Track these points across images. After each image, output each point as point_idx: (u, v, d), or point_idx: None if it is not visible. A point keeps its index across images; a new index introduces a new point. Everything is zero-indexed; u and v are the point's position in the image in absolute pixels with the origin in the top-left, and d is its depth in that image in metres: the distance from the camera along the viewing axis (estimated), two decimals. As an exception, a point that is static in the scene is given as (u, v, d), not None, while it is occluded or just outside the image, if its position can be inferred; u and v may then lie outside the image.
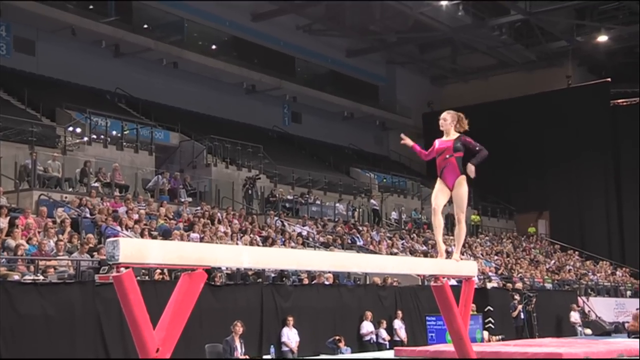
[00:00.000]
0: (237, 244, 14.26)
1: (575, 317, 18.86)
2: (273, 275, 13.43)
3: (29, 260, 10.52)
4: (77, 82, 22.80)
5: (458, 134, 6.27)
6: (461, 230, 6.34)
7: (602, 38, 30.64)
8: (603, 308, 21.22)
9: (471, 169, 6.10)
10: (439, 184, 6.22)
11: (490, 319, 15.98)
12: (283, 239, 16.32)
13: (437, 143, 6.29)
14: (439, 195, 6.22)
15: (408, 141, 6.45)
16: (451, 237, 24.55)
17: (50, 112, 19.59)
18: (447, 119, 6.32)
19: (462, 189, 6.21)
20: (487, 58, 33.38)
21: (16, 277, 9.75)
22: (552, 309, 18.64)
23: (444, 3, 27.52)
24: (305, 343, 12.37)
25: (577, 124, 30.75)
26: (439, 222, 6.31)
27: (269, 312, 12.17)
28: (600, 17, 29.68)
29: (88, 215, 13.73)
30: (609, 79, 31.68)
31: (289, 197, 21.54)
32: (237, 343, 10.68)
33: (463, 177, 6.18)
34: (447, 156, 6.17)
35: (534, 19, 28.90)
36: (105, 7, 23.38)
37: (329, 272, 13.47)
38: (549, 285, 21.45)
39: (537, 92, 31.75)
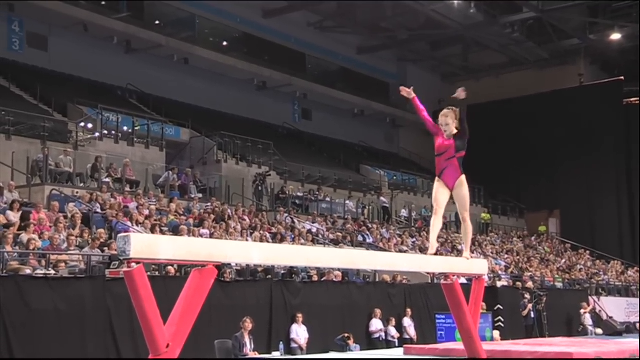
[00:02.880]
0: (247, 240, 14.29)
1: (586, 316, 18.77)
2: (282, 272, 13.45)
3: (40, 255, 10.59)
4: (89, 78, 22.90)
5: (456, 131, 6.01)
6: (467, 228, 6.25)
7: (615, 36, 30.44)
8: (614, 308, 21.09)
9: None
10: (438, 185, 6.02)
11: (500, 317, 15.93)
12: (293, 236, 16.33)
13: (439, 138, 6.00)
14: (440, 196, 6.02)
15: (406, 92, 6.07)
16: (461, 236, 24.48)
17: (62, 107, 19.69)
18: (450, 123, 5.98)
19: (464, 189, 6.07)
20: (499, 56, 33.24)
21: (28, 271, 9.82)
22: (562, 308, 18.55)
23: (455, 1, 27.42)
24: (314, 340, 12.38)
25: (589, 122, 30.56)
26: (438, 224, 6.13)
27: (278, 309, 12.19)
28: (613, 15, 29.47)
29: (99, 210, 13.80)
30: (622, 78, 31.47)
31: (298, 194, 21.54)
32: (247, 339, 10.71)
33: (464, 177, 6.05)
34: (450, 157, 5.98)
35: (547, 17, 28.73)
36: (117, 3, 23.49)
37: (339, 269, 13.46)
38: (559, 285, 21.36)
39: (548, 90, 31.57)
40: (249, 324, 10.73)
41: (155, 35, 24.20)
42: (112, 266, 10.50)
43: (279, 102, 29.11)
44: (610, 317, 20.14)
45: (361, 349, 12.51)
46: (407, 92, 6.07)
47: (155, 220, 13.96)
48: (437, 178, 6.06)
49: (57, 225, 11.78)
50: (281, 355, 11.38)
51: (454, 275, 6.10)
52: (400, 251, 18.55)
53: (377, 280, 15.28)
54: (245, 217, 16.84)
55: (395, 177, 28.28)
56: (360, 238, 19.18)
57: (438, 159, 6.01)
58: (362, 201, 23.71)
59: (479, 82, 34.96)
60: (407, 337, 14.19)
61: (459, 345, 6.59)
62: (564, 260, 26.27)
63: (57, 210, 12.89)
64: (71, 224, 12.41)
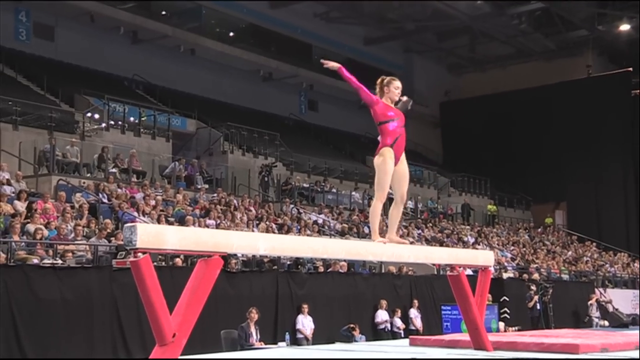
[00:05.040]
0: (253, 231, 14.30)
1: (592, 307, 18.77)
2: (288, 262, 13.47)
3: (47, 245, 10.63)
4: (96, 69, 22.94)
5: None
6: (401, 210, 5.65)
7: (624, 27, 30.26)
8: (620, 300, 21.06)
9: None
10: (390, 157, 5.39)
11: (506, 309, 15.93)
12: (299, 227, 16.34)
13: (380, 104, 5.45)
14: (401, 178, 5.50)
15: (330, 65, 5.54)
16: (467, 227, 24.58)
17: (68, 97, 19.74)
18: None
19: (406, 162, 5.61)
20: (506, 47, 33.07)
21: (35, 261, 9.86)
22: (568, 300, 18.53)
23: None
24: (320, 330, 12.41)
25: (597, 114, 30.42)
26: (398, 213, 5.59)
27: (284, 299, 12.22)
28: (621, 5, 29.27)
29: (106, 200, 13.83)
30: (630, 69, 31.27)
31: (304, 185, 21.54)
32: (252, 329, 10.74)
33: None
34: (403, 125, 5.49)
35: (554, 8, 28.56)
36: (124, -7, 23.50)
37: (344, 260, 13.48)
38: (565, 277, 21.33)
39: (556, 81, 31.42)
40: (254, 315, 10.76)
41: (162, 25, 24.20)
42: (118, 256, 10.53)
43: (285, 93, 29.07)
44: (616, 309, 20.12)
45: (367, 340, 12.53)
46: (331, 65, 5.56)
47: (162, 210, 13.99)
48: (388, 148, 5.40)
49: (64, 215, 11.83)
50: (287, 345, 11.41)
51: (460, 267, 6.10)
52: (406, 242, 18.51)
53: (383, 271, 15.29)
54: (251, 208, 16.86)
55: (401, 169, 28.17)
56: (366, 229, 19.17)
57: (386, 126, 5.42)
58: (368, 192, 23.67)
59: (485, 73, 34.85)
60: (413, 328, 14.21)
61: (464, 337, 6.60)
62: (570, 252, 26.22)
63: (64, 201, 12.93)
64: (78, 214, 12.45)
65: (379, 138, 5.56)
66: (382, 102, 5.54)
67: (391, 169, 5.44)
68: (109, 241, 11.32)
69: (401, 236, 19.35)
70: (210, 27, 26.59)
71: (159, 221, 12.76)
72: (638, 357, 5.62)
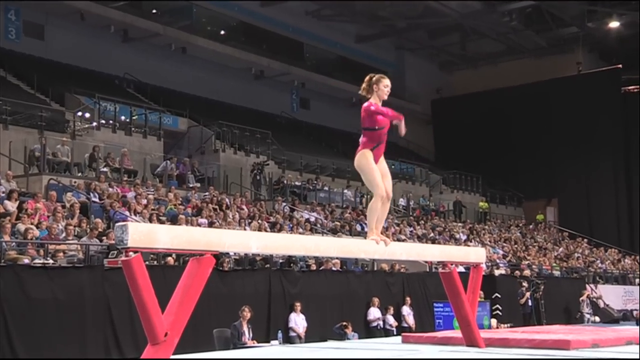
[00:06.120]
0: (245, 229, 14.29)
1: (584, 304, 18.87)
2: (281, 261, 13.47)
3: (38, 245, 10.59)
4: (86, 67, 22.84)
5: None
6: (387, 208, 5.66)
7: (614, 24, 30.39)
8: (611, 295, 21.18)
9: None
10: (371, 158, 5.46)
11: (497, 306, 15.99)
12: (291, 225, 16.34)
13: (383, 108, 5.53)
14: (384, 176, 5.51)
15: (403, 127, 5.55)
16: (459, 224, 24.62)
17: (59, 96, 19.65)
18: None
19: (385, 163, 5.63)
20: (497, 44, 33.18)
21: (26, 260, 9.82)
22: (560, 296, 18.62)
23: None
24: (313, 329, 12.42)
25: (587, 110, 30.56)
26: (385, 211, 5.62)
27: (276, 298, 12.22)
28: (611, 3, 29.40)
29: (97, 200, 13.78)
30: (620, 66, 31.43)
31: (297, 183, 21.54)
32: (245, 328, 10.73)
33: None
34: (387, 130, 5.55)
35: (545, 5, 28.66)
36: (114, -9, 23.40)
37: (337, 258, 13.49)
38: (557, 273, 21.42)
39: (547, 78, 31.55)
40: (247, 313, 10.76)
41: (153, 24, 24.13)
42: (110, 255, 10.51)
43: (277, 91, 29.05)
44: (607, 305, 20.23)
45: (359, 338, 12.55)
46: (403, 128, 5.59)
47: (153, 209, 13.95)
48: (367, 150, 5.48)
49: (55, 215, 11.78)
50: (280, 343, 11.41)
51: (452, 264, 6.12)
52: (399, 240, 18.57)
53: (376, 269, 15.31)
54: (244, 207, 16.84)
55: (393, 166, 28.22)
56: (358, 227, 19.19)
57: (374, 132, 5.50)
58: (360, 190, 23.71)
59: (476, 70, 34.95)
60: (406, 325, 14.23)
61: (457, 333, 6.62)
62: (561, 249, 26.33)
63: (55, 200, 12.87)
64: (69, 214, 12.40)
65: (361, 139, 5.64)
66: (376, 107, 5.56)
67: (375, 166, 5.53)
68: (101, 240, 11.28)
69: (392, 234, 19.43)
70: (202, 26, 26.52)
71: (150, 220, 12.73)
72: (638, 353, 5.64)
